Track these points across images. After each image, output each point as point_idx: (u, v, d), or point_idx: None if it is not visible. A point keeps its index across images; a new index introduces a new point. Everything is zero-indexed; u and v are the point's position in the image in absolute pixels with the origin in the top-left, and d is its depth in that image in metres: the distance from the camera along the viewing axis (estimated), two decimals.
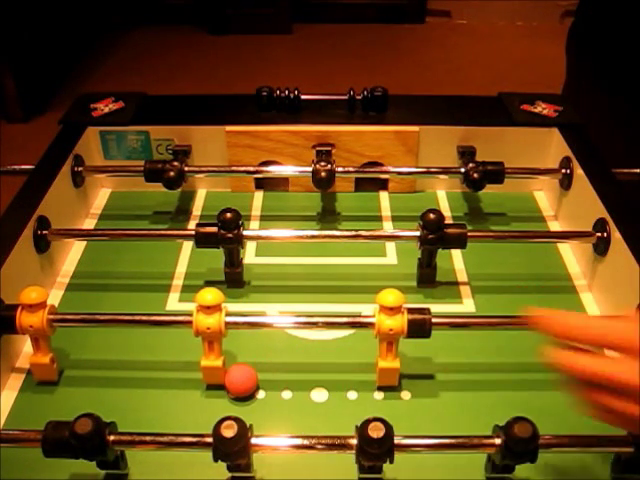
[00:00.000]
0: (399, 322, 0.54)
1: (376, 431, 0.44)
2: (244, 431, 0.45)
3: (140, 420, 0.54)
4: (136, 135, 0.80)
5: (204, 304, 0.54)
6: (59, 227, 0.69)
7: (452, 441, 0.47)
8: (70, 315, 0.59)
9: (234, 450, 0.44)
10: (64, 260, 0.71)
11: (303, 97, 0.82)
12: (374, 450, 0.44)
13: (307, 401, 0.56)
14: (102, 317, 0.58)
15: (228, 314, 0.55)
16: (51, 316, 0.56)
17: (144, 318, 0.57)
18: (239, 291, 0.68)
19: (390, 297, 0.54)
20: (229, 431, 0.44)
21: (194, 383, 0.58)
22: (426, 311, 0.55)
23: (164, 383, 0.58)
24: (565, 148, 0.76)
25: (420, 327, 0.54)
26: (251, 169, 0.78)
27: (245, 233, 0.65)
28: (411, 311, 0.55)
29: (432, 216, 0.64)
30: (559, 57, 1.12)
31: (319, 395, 0.57)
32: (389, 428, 0.44)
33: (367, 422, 0.45)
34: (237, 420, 0.45)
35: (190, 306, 0.65)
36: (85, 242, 0.74)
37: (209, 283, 0.68)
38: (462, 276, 0.69)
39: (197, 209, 0.80)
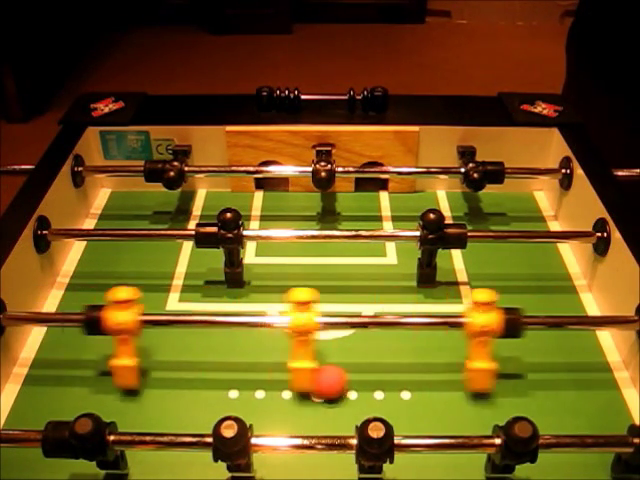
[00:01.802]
0: (493, 320, 0.54)
1: (376, 431, 0.44)
2: (244, 431, 0.45)
3: (140, 420, 0.54)
4: (136, 135, 0.80)
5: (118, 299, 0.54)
6: (59, 227, 0.69)
7: (452, 441, 0.47)
8: (70, 315, 0.59)
9: (234, 450, 0.44)
10: (64, 260, 0.71)
11: (303, 97, 0.82)
12: (374, 450, 0.44)
13: (307, 401, 0.56)
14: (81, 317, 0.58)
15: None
16: (142, 316, 0.55)
17: (144, 318, 0.57)
18: (239, 291, 0.68)
19: (483, 294, 0.54)
20: (229, 431, 0.44)
21: (194, 383, 0.58)
22: (519, 311, 0.55)
23: (164, 383, 0.58)
24: (565, 148, 0.76)
25: (514, 326, 0.54)
26: (251, 169, 0.78)
27: (245, 233, 0.65)
28: (506, 310, 0.55)
29: (432, 216, 0.64)
30: (559, 57, 1.13)
31: None
32: (389, 428, 0.44)
33: (367, 422, 0.45)
34: (237, 420, 0.45)
35: (190, 306, 0.65)
36: (85, 242, 0.74)
37: (209, 283, 0.69)
38: (462, 276, 0.69)
39: (197, 209, 0.80)
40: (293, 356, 0.55)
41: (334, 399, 0.56)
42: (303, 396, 0.57)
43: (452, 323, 0.55)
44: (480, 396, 0.57)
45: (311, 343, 0.55)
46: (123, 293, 0.55)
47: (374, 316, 0.62)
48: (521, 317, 0.55)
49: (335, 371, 0.56)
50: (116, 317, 0.54)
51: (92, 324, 0.54)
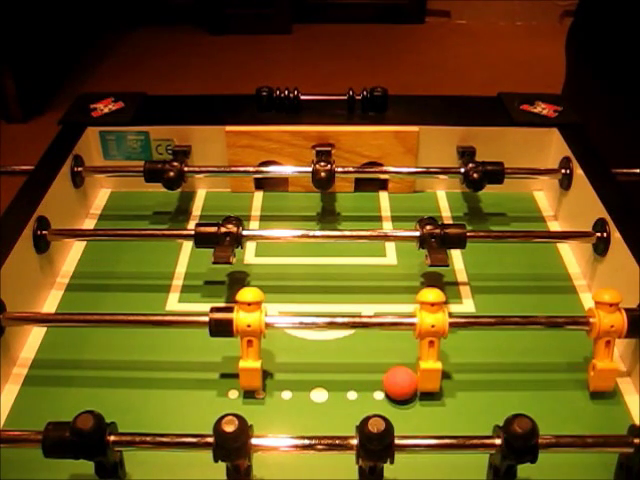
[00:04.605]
0: (620, 319, 0.54)
1: (376, 426, 0.44)
2: (245, 427, 0.45)
3: (140, 420, 0.54)
4: (136, 135, 0.80)
5: (245, 301, 0.54)
6: (59, 227, 0.69)
7: (452, 441, 0.47)
8: (70, 315, 0.59)
9: (235, 446, 0.44)
10: (64, 260, 0.71)
11: (303, 97, 0.82)
12: (374, 446, 0.44)
13: (307, 401, 0.56)
14: (102, 317, 0.58)
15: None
16: (267, 318, 0.55)
17: (144, 318, 0.57)
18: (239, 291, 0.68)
19: (608, 294, 0.55)
20: (230, 426, 0.44)
21: (194, 383, 0.58)
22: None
23: (164, 383, 0.58)
24: (565, 148, 0.76)
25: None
26: (251, 169, 0.78)
27: (245, 233, 0.65)
28: (629, 309, 0.55)
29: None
30: (559, 57, 1.13)
31: (319, 395, 0.57)
32: (389, 423, 0.44)
33: (367, 418, 0.45)
34: (238, 416, 0.45)
35: (190, 306, 0.66)
36: (85, 242, 0.74)
37: (209, 283, 0.69)
38: (462, 276, 0.69)
39: (197, 209, 0.80)
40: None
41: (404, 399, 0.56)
42: (303, 396, 0.57)
43: (579, 322, 0.56)
44: (480, 396, 0.57)
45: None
46: (251, 295, 0.54)
47: (374, 316, 0.62)
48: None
49: (407, 373, 0.56)
50: (245, 319, 0.54)
51: (220, 326, 0.54)
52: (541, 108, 0.81)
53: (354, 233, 0.68)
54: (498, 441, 0.45)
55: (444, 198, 0.81)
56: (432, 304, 0.54)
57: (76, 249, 0.73)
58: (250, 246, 0.73)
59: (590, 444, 0.47)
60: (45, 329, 0.63)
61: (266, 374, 0.58)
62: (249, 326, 0.54)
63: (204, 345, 0.59)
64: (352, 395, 0.57)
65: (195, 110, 0.83)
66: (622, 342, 0.60)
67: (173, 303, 0.66)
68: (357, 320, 0.58)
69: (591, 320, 0.55)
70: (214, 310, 0.55)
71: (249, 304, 0.54)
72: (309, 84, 0.99)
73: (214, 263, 0.63)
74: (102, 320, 0.58)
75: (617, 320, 0.54)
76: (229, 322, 0.54)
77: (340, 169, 0.75)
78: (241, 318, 0.54)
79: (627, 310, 0.55)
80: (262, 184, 0.83)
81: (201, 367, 0.59)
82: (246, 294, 0.55)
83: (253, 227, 0.76)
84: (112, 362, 0.60)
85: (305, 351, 0.61)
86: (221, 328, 0.54)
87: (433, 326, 0.54)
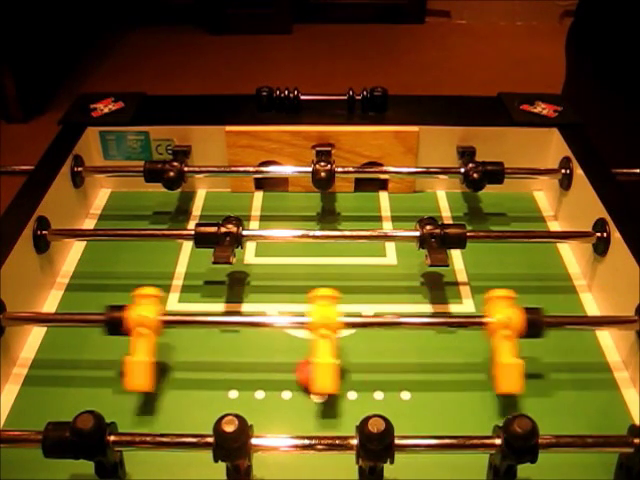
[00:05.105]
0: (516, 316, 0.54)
1: (376, 426, 0.44)
2: (245, 427, 0.45)
3: (140, 420, 0.54)
4: (136, 135, 0.80)
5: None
6: (59, 227, 0.69)
7: (452, 441, 0.47)
8: (70, 315, 0.59)
9: (235, 446, 0.44)
10: (64, 260, 0.71)
11: (303, 97, 0.82)
12: (374, 446, 0.44)
13: (307, 401, 0.56)
14: (102, 317, 0.58)
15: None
16: (162, 316, 0.55)
17: (166, 318, 0.57)
18: (239, 291, 0.68)
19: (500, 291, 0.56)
20: (230, 426, 0.44)
21: (194, 383, 0.58)
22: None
23: (163, 383, 0.58)
24: (565, 148, 0.76)
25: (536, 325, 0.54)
26: (251, 169, 0.78)
27: (245, 233, 0.65)
28: (528, 309, 0.55)
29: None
30: (559, 57, 1.13)
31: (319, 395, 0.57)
32: (389, 423, 0.44)
33: (367, 418, 0.45)
34: (238, 416, 0.45)
35: (190, 306, 0.66)
36: (85, 242, 0.74)
37: (209, 283, 0.69)
38: (462, 276, 0.69)
39: (197, 209, 0.80)
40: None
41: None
42: (303, 396, 0.57)
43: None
44: (480, 396, 0.57)
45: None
46: (145, 290, 0.55)
47: (374, 316, 0.62)
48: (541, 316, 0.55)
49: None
50: (135, 311, 0.54)
51: (113, 322, 0.54)
52: (541, 108, 0.81)
53: (354, 233, 0.68)
54: (498, 441, 0.45)
55: (444, 198, 0.81)
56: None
57: (76, 249, 0.73)
58: (250, 246, 0.73)
59: (590, 444, 0.47)
60: (45, 329, 0.63)
61: (266, 374, 0.58)
62: (141, 322, 0.54)
63: (203, 345, 0.59)
64: (352, 395, 0.57)
65: (195, 110, 0.83)
66: (622, 342, 0.60)
67: (173, 303, 0.66)
68: (357, 320, 0.58)
69: (486, 320, 0.55)
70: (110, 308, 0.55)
71: (143, 297, 0.54)
72: (309, 84, 1.00)
73: (214, 263, 0.63)
74: (102, 320, 0.58)
75: (513, 317, 0.54)
76: (121, 319, 0.54)
77: (340, 169, 0.75)
78: (133, 313, 0.54)
79: (526, 309, 0.55)
80: (262, 184, 0.83)
81: (200, 367, 0.60)
82: (141, 290, 0.55)
83: (253, 227, 0.76)
84: (112, 362, 0.60)
85: (305, 351, 0.61)
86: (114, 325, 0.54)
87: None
